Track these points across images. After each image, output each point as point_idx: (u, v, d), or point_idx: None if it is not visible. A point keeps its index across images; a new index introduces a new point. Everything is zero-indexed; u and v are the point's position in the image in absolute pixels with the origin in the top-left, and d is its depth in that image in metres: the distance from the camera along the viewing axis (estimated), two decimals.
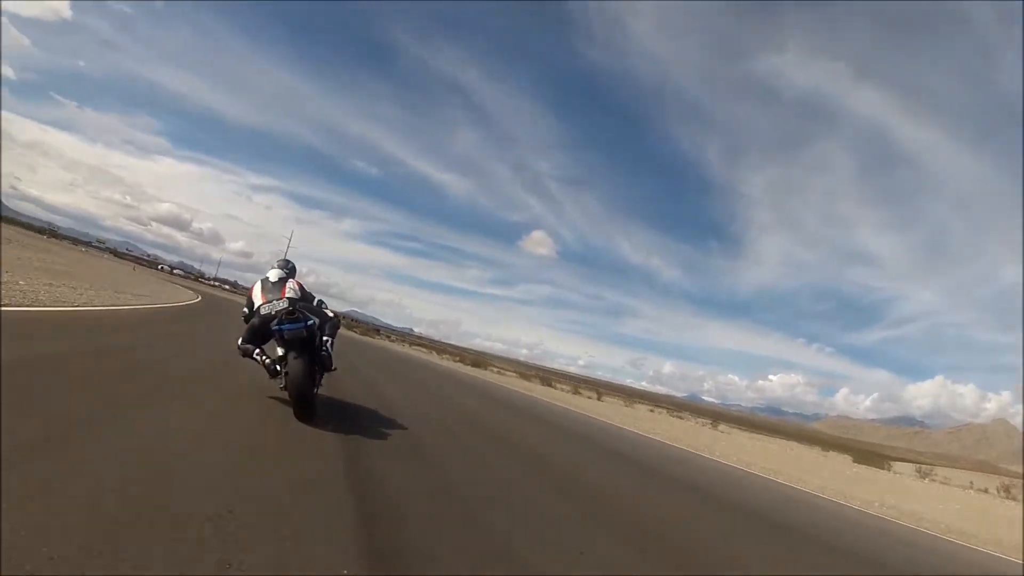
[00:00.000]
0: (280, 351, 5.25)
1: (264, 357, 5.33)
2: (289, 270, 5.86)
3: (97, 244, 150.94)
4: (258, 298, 5.45)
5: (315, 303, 5.83)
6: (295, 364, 4.83)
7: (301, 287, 5.66)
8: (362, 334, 62.53)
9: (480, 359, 56.04)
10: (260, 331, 5.30)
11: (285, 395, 5.22)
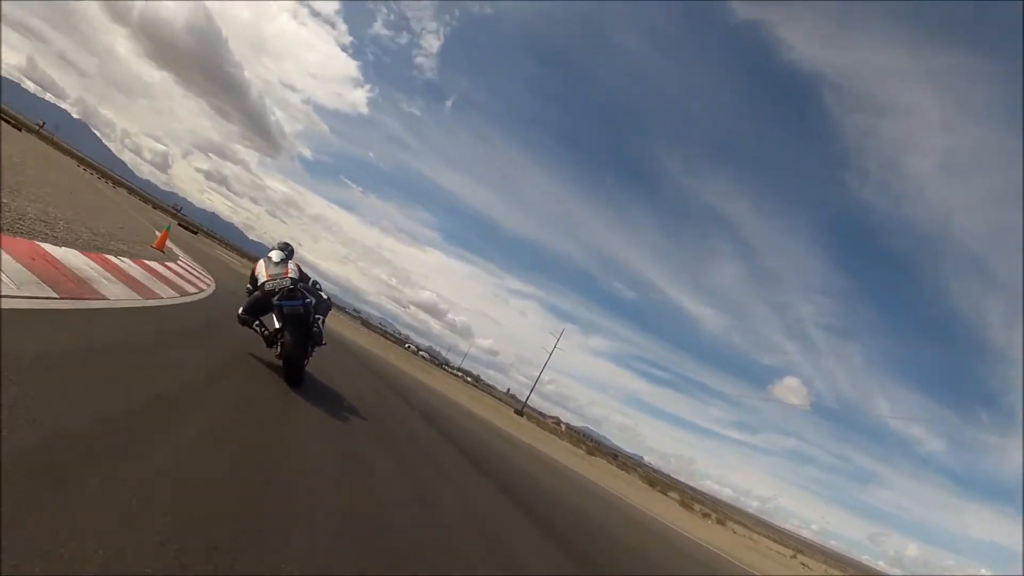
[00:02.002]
0: (277, 324, 5.77)
1: (263, 328, 5.90)
2: (288, 252, 6.47)
3: (352, 312, 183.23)
4: (262, 274, 6.02)
5: (311, 283, 6.36)
6: (292, 337, 5.44)
7: (299, 268, 6.30)
8: (589, 453, 40.97)
9: None
10: (261, 304, 5.80)
11: (278, 362, 5.91)
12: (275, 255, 6.28)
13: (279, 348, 5.73)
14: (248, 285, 6.31)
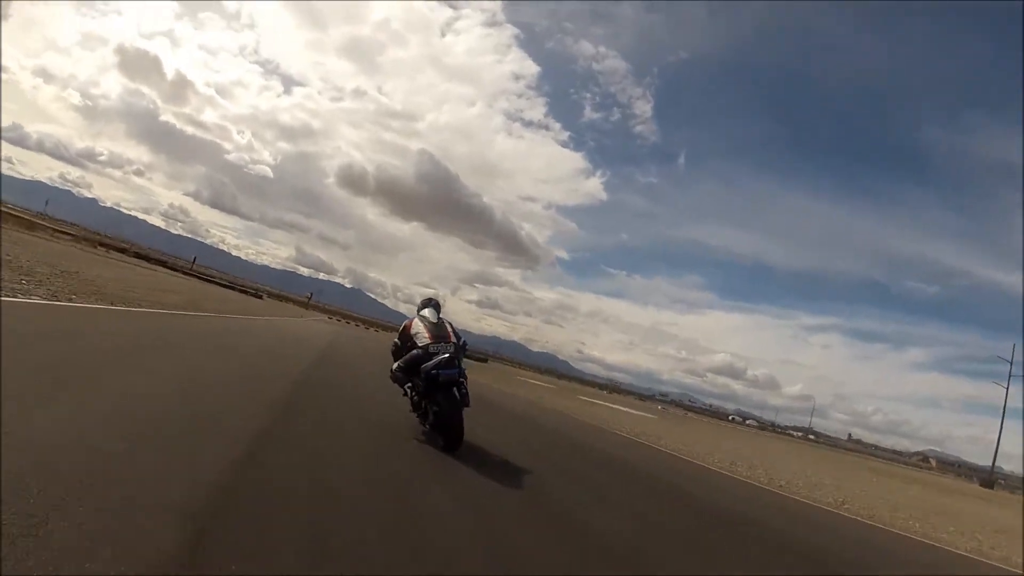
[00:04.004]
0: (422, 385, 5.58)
1: (413, 392, 5.82)
2: (437, 307, 6.19)
3: (660, 397, 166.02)
4: (423, 335, 5.73)
5: (461, 343, 5.97)
6: (448, 403, 5.31)
7: (454, 329, 5.96)
8: None
9: None
10: (418, 364, 5.54)
11: (417, 422, 5.91)
12: (430, 314, 6.01)
13: (424, 411, 5.67)
14: (396, 340, 6.19)
